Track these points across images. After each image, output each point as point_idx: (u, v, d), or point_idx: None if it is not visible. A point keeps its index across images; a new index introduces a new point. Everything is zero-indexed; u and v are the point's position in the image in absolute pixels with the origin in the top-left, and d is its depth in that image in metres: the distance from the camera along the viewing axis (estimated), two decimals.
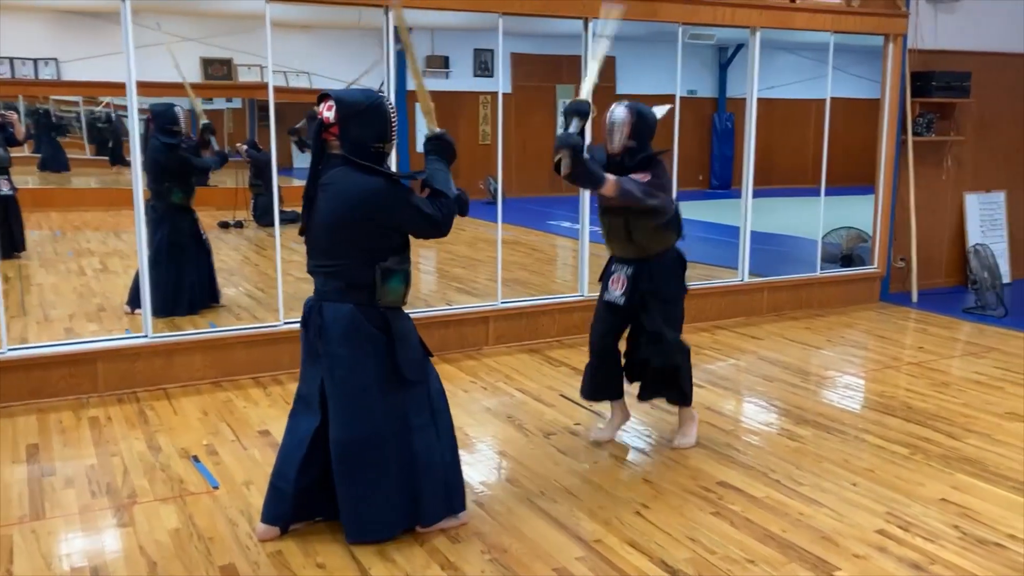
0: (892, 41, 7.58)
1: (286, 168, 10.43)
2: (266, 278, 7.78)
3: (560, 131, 3.91)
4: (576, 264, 6.94)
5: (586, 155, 3.98)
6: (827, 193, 7.83)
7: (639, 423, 4.86)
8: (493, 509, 3.74)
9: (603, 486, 4.03)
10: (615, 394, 4.59)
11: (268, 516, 3.51)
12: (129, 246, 8.84)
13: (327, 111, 3.23)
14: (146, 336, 5.39)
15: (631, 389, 4.61)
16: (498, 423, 4.85)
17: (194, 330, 5.75)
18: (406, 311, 3.49)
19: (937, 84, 7.81)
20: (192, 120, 7.33)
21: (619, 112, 4.22)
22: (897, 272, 8.12)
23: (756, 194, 7.35)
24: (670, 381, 4.43)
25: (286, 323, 5.72)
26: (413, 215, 3.28)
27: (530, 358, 6.12)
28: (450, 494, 3.52)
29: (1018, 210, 8.82)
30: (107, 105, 10.67)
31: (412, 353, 3.41)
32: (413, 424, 3.41)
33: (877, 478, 4.13)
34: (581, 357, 6.09)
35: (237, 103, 11.49)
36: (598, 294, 4.58)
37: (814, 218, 7.82)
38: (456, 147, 3.47)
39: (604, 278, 4.52)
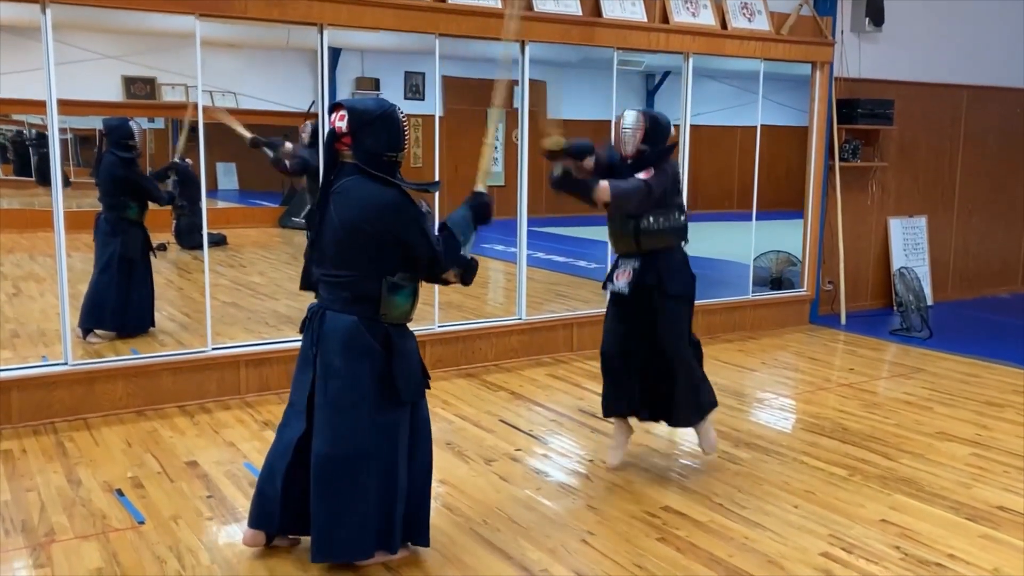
0: (819, 69, 7.76)
1: (211, 190, 10.18)
2: (191, 302, 7.52)
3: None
4: (511, 287, 6.88)
5: (598, 157, 4.21)
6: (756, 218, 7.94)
7: (578, 447, 4.80)
8: (434, 539, 3.60)
9: (547, 514, 3.95)
10: (627, 408, 4.46)
11: (255, 520, 3.42)
12: (45, 269, 8.50)
13: (339, 121, 3.21)
14: (65, 363, 5.13)
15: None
16: (437, 450, 4.66)
17: (116, 356, 5.50)
18: (411, 329, 3.40)
19: (862, 111, 8.01)
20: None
21: (631, 118, 4.26)
22: (826, 295, 8.27)
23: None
24: (673, 401, 4.34)
25: (214, 348, 5.53)
26: (419, 237, 3.21)
27: (467, 383, 6.02)
28: (412, 525, 3.41)
29: (938, 234, 9.10)
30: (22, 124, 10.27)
31: (411, 373, 3.31)
32: (399, 447, 3.31)
33: (817, 500, 4.15)
34: (519, 381, 6.07)
35: (160, 123, 11.22)
36: (605, 308, 4.52)
37: (739, 242, 7.90)
38: (491, 212, 3.44)
39: (609, 277, 4.45)
